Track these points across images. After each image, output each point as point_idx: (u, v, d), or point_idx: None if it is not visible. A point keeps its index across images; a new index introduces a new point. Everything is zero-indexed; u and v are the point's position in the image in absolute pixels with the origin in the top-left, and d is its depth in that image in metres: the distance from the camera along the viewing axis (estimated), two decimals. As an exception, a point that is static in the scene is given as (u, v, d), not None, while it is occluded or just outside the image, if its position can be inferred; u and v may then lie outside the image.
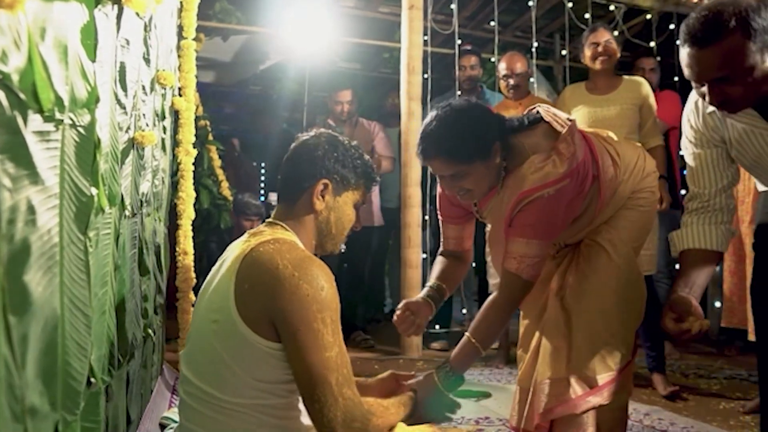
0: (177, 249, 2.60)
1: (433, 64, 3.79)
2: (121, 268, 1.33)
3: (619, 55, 2.76)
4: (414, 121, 3.28)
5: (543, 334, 1.51)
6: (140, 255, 1.63)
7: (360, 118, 3.77)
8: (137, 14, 1.36)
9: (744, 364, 3.09)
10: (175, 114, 2.58)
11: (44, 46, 0.70)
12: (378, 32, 4.57)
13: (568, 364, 1.44)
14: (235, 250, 1.12)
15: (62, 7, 0.78)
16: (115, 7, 1.16)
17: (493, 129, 1.39)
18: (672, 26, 3.92)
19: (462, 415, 2.15)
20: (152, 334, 1.90)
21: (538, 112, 1.50)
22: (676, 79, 3.69)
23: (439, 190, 1.65)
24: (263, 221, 1.22)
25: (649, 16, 4.15)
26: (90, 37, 0.94)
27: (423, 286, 1.69)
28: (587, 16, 3.87)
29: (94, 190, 0.96)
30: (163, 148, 2.08)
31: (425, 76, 3.43)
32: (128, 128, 1.35)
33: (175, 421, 1.31)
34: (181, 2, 2.55)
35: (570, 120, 1.44)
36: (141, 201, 1.60)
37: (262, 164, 6.28)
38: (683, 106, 1.51)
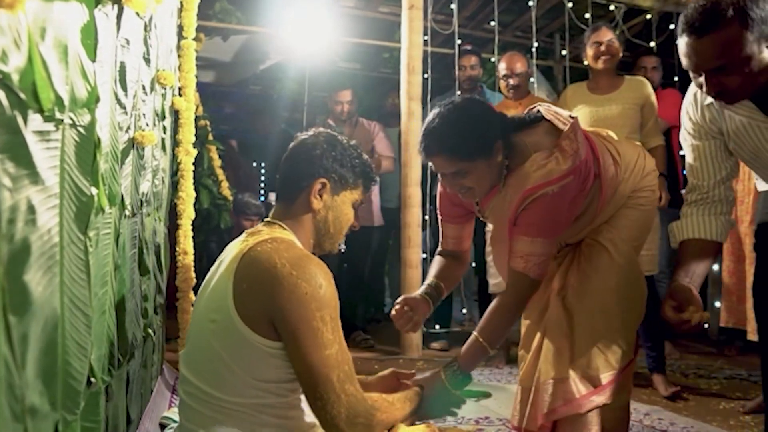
0: (177, 249, 2.60)
1: (433, 64, 3.78)
2: (121, 268, 1.33)
3: (621, 54, 2.76)
4: (414, 121, 3.28)
5: (545, 333, 1.51)
6: (140, 255, 1.63)
7: (360, 118, 3.77)
8: (137, 14, 1.36)
9: (744, 364, 3.09)
10: (175, 114, 2.58)
11: (44, 46, 0.70)
12: (378, 32, 4.57)
13: (570, 364, 1.44)
14: (233, 249, 1.12)
15: (62, 7, 0.78)
16: (115, 6, 1.16)
17: (495, 127, 1.39)
18: (672, 26, 3.92)
19: (462, 415, 2.15)
20: (152, 334, 1.90)
21: (538, 111, 1.50)
22: (676, 78, 3.69)
23: (439, 189, 1.65)
24: (263, 221, 1.22)
25: (649, 16, 4.15)
26: (90, 36, 0.94)
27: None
28: (587, 16, 3.87)
29: (94, 190, 0.96)
30: (163, 147, 2.08)
31: (425, 76, 3.43)
32: (128, 128, 1.35)
33: (175, 421, 1.31)
34: (181, 2, 2.55)
35: (572, 117, 1.44)
36: (141, 201, 1.60)
37: (262, 164, 6.28)
38: None
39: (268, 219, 1.20)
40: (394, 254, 4.03)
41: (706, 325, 3.64)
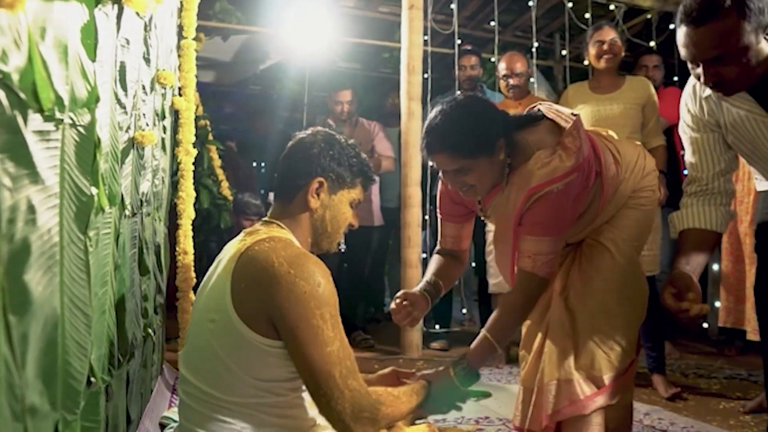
0: (177, 249, 2.60)
1: (433, 64, 3.78)
2: (121, 268, 1.33)
3: (623, 54, 2.76)
4: (414, 120, 3.28)
5: (548, 335, 1.51)
6: (140, 254, 1.63)
7: (360, 118, 3.77)
8: (137, 14, 1.36)
9: (744, 364, 3.09)
10: (175, 114, 2.58)
11: (44, 46, 0.70)
12: (378, 32, 4.57)
13: (574, 365, 1.45)
14: (231, 249, 1.12)
15: (62, 7, 0.78)
16: (115, 6, 1.16)
17: (498, 125, 1.39)
18: (672, 26, 3.92)
19: (462, 415, 2.15)
20: (152, 334, 1.90)
21: (539, 109, 1.50)
22: (676, 78, 3.69)
23: (440, 187, 1.64)
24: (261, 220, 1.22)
25: (649, 16, 4.16)
26: (90, 36, 0.94)
27: (422, 284, 1.68)
28: (587, 15, 3.87)
29: (94, 190, 0.96)
30: (163, 147, 2.08)
31: (425, 76, 3.43)
32: (128, 128, 1.35)
33: (175, 421, 1.31)
34: (181, 2, 2.55)
35: (574, 115, 1.44)
36: (141, 201, 1.60)
37: (262, 164, 6.28)
38: None
39: (265, 218, 1.20)
40: (394, 254, 4.03)
41: (706, 325, 3.64)
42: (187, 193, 2.64)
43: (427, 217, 3.51)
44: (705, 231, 1.46)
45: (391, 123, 3.88)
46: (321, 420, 1.19)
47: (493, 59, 4.14)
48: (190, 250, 2.64)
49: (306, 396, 1.13)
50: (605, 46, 2.70)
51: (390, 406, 1.11)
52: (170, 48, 2.25)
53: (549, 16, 4.50)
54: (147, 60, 1.61)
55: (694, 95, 1.46)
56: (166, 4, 1.99)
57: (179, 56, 2.59)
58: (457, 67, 3.49)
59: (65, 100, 0.79)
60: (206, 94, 4.31)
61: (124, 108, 1.30)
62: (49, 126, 0.74)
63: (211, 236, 3.67)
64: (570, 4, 3.92)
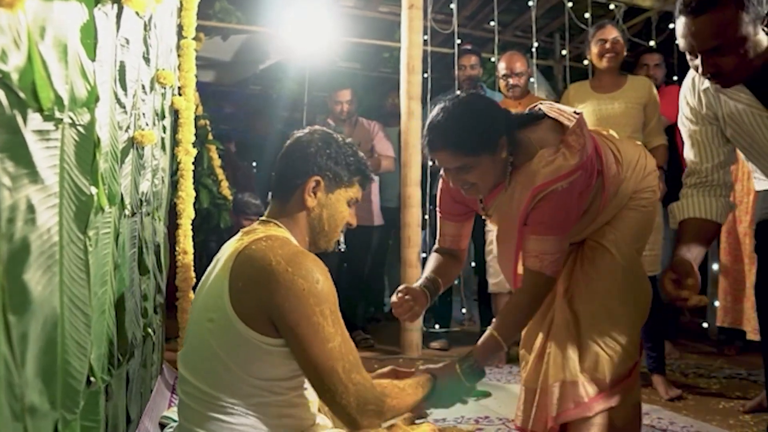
0: (177, 248, 2.60)
1: (433, 63, 3.78)
2: (121, 268, 1.33)
3: (625, 53, 2.76)
4: (414, 120, 3.28)
5: (552, 336, 1.51)
6: (140, 254, 1.63)
7: (360, 117, 3.77)
8: (137, 13, 1.36)
9: (743, 364, 3.09)
10: (175, 113, 2.58)
11: (44, 45, 0.70)
12: (378, 32, 4.57)
13: (578, 367, 1.45)
14: (228, 248, 1.12)
15: (62, 6, 0.78)
16: (115, 6, 1.16)
17: (500, 123, 1.39)
18: (672, 25, 3.92)
19: (462, 415, 2.15)
20: (152, 334, 1.90)
21: (540, 108, 1.50)
22: (675, 78, 3.69)
23: (441, 185, 1.64)
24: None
25: (649, 15, 4.16)
26: (90, 36, 0.94)
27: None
28: (587, 15, 3.87)
29: (93, 189, 0.96)
30: (163, 147, 2.08)
31: (425, 75, 3.43)
32: (128, 127, 1.35)
33: (175, 420, 1.31)
34: (181, 1, 2.55)
35: (577, 113, 1.44)
36: (141, 200, 1.60)
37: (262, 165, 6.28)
38: None
39: (263, 218, 1.20)
40: (394, 254, 4.03)
41: (706, 325, 3.64)
42: (187, 192, 2.64)
43: (426, 216, 3.51)
44: (705, 221, 1.47)
45: (391, 123, 3.88)
46: (320, 419, 1.20)
47: (493, 59, 4.14)
48: (190, 249, 2.64)
49: (307, 394, 1.13)
50: (608, 45, 2.69)
51: (395, 398, 1.12)
52: (170, 47, 2.25)
53: (549, 16, 4.50)
54: (147, 59, 1.61)
55: (693, 88, 1.47)
56: (166, 3, 1.99)
57: (179, 56, 2.59)
58: (456, 67, 3.49)
59: (65, 99, 0.79)
60: (206, 94, 4.31)
61: (124, 107, 1.30)
62: (49, 125, 0.74)
63: (210, 236, 3.67)
64: (570, 4, 3.92)
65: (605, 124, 2.55)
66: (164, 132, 2.10)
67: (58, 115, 0.77)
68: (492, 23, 4.07)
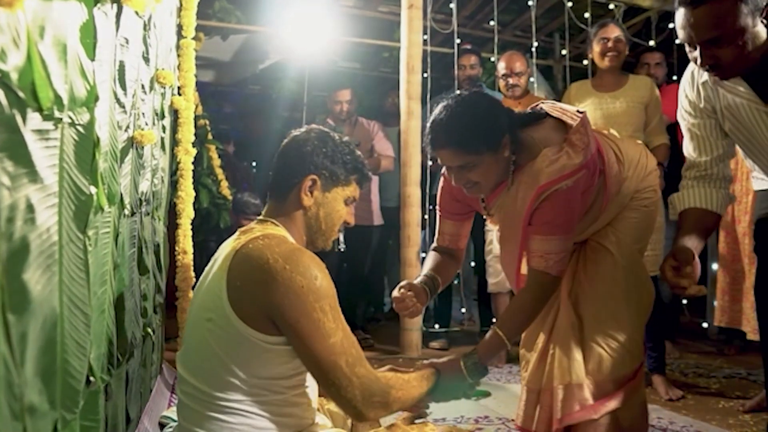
0: (176, 248, 2.60)
1: (433, 63, 3.78)
2: (121, 267, 1.33)
3: (627, 52, 2.76)
4: (413, 120, 3.28)
5: (555, 338, 1.51)
6: (139, 254, 1.63)
7: (359, 117, 3.77)
8: (136, 13, 1.36)
9: (743, 363, 3.09)
10: (175, 113, 2.58)
11: (43, 45, 0.70)
12: (377, 31, 4.57)
13: (583, 369, 1.45)
14: (226, 248, 1.12)
15: (61, 6, 0.78)
16: (115, 5, 1.16)
17: (503, 121, 1.38)
18: (671, 25, 3.92)
19: (461, 414, 2.15)
20: (151, 333, 1.90)
21: (542, 108, 1.50)
22: (675, 78, 3.69)
23: (441, 183, 1.64)
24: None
25: (649, 15, 4.16)
26: (89, 35, 0.94)
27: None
28: (587, 15, 3.87)
29: (93, 189, 0.96)
30: (163, 147, 2.08)
31: (425, 75, 3.43)
32: (127, 127, 1.35)
33: (175, 420, 1.31)
34: (180, 1, 2.55)
35: (580, 112, 1.43)
36: (140, 200, 1.60)
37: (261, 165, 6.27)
38: None
39: (260, 217, 1.20)
40: (394, 253, 4.03)
41: (705, 325, 3.64)
42: (187, 192, 2.64)
43: (426, 216, 3.50)
44: (705, 211, 1.47)
45: (391, 122, 3.88)
46: (320, 419, 1.20)
47: (492, 59, 4.14)
48: (190, 249, 2.64)
49: (307, 393, 1.13)
50: (610, 44, 2.69)
51: (400, 389, 1.13)
52: (169, 47, 2.25)
53: (549, 16, 4.50)
54: (146, 59, 1.61)
55: (692, 81, 1.48)
56: (166, 3, 1.99)
57: (178, 55, 2.59)
58: (456, 67, 3.49)
59: (64, 99, 0.79)
60: (205, 94, 4.31)
61: (124, 107, 1.30)
62: (48, 125, 0.74)
63: (210, 236, 3.67)
64: (570, 4, 3.92)
65: (607, 123, 2.55)
66: (164, 132, 2.10)
67: (57, 114, 0.77)
68: (492, 23, 4.07)
